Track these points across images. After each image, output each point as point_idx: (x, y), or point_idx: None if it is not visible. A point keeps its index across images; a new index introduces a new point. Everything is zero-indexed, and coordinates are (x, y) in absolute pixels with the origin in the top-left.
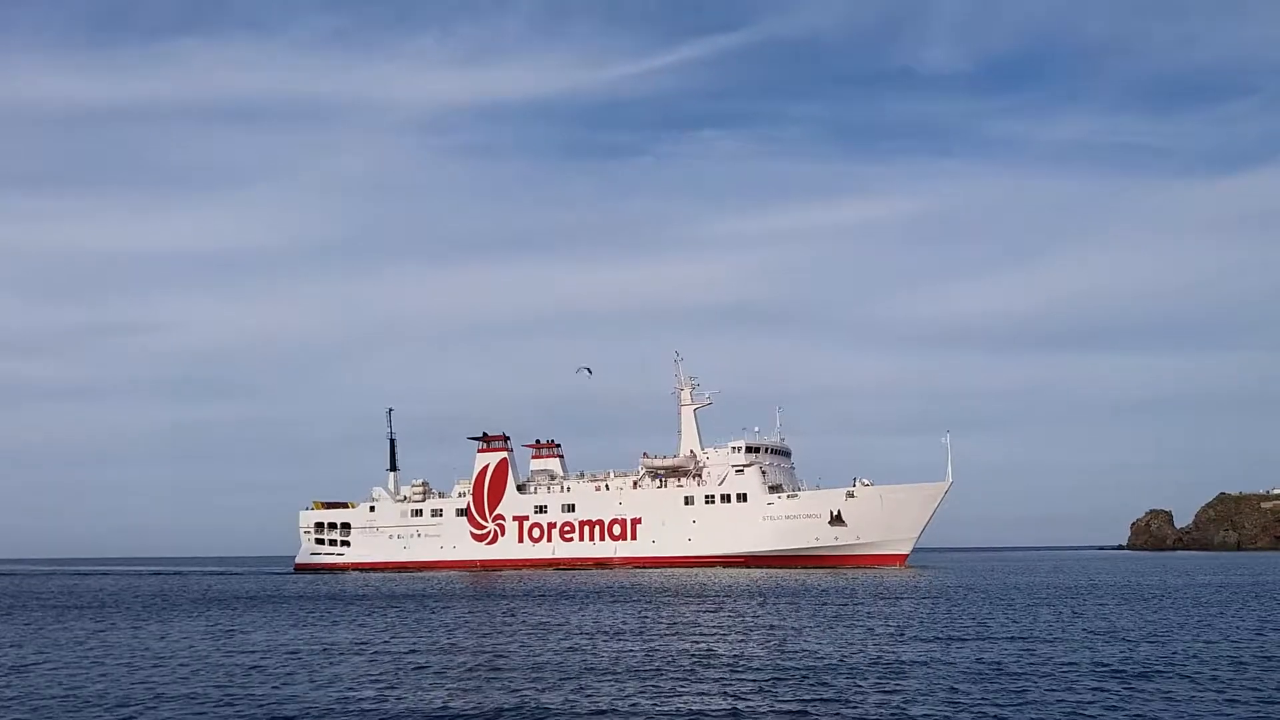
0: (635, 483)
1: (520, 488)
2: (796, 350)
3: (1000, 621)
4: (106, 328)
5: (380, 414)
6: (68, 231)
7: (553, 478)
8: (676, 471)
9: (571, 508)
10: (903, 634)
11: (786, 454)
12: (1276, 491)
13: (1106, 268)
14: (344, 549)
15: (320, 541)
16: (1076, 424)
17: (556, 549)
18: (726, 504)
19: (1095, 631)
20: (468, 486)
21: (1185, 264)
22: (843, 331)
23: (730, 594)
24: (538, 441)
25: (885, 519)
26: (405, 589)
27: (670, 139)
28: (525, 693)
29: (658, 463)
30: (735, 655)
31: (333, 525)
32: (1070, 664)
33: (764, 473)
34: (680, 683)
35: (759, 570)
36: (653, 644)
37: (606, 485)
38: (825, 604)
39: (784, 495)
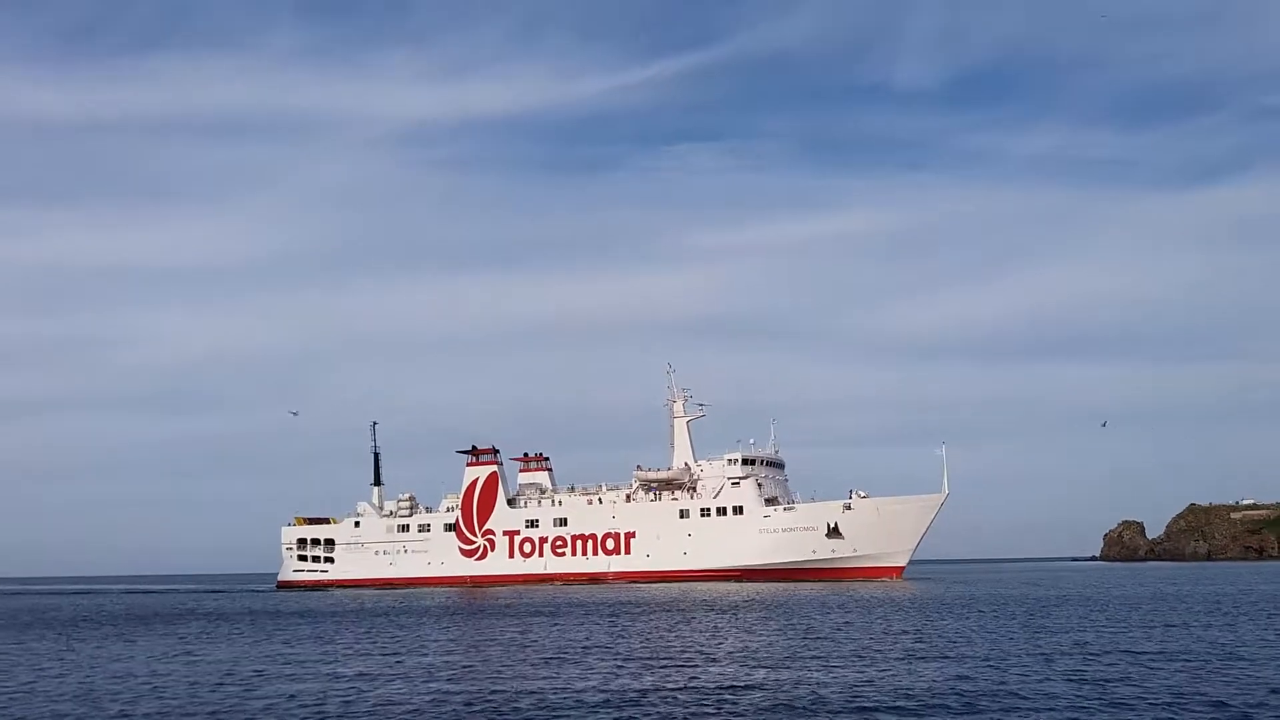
0: (628, 496)
1: (511, 501)
2: (777, 362)
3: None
4: (81, 341)
5: (363, 428)
6: (41, 245)
7: (542, 491)
8: (671, 484)
9: (564, 522)
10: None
11: (780, 466)
12: (1246, 502)
13: (1077, 280)
14: (328, 565)
15: (303, 558)
16: (1049, 435)
17: (549, 564)
18: (722, 517)
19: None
20: (455, 501)
21: (1157, 276)
22: (821, 343)
23: (728, 608)
24: (525, 454)
25: (882, 531)
26: (389, 605)
27: (647, 153)
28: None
29: (652, 475)
30: (737, 674)
31: (316, 541)
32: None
33: (760, 485)
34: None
35: (757, 584)
36: (659, 665)
37: (599, 499)
38: (827, 615)
39: (780, 508)
